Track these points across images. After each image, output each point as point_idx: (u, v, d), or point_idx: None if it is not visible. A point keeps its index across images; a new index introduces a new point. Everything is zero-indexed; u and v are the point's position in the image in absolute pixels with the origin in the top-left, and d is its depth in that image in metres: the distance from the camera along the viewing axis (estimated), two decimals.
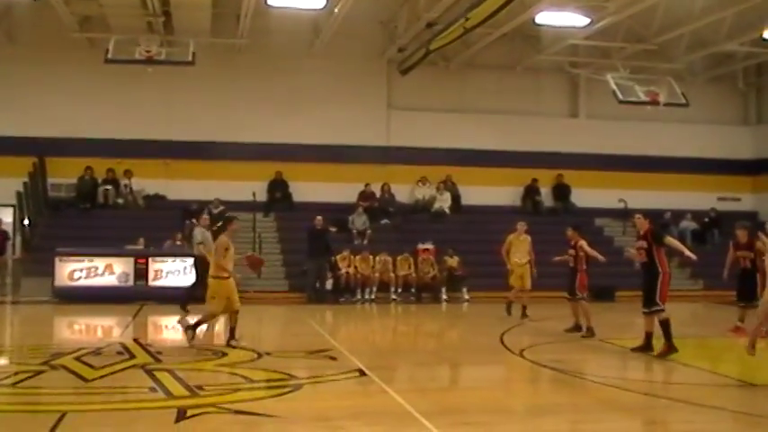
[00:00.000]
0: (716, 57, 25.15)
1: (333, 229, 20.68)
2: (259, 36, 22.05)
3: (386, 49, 23.88)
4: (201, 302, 12.99)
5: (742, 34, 21.97)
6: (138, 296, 18.31)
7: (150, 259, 19.28)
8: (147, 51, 19.54)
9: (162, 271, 19.22)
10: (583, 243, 14.06)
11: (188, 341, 11.96)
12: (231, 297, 11.96)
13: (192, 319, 12.39)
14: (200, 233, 17.50)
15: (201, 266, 17.30)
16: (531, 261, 16.13)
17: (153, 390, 8.92)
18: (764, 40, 22.20)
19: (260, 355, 11.42)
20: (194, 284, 17.31)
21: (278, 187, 23.40)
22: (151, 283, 19.11)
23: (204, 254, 17.21)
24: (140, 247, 19.91)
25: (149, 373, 9.82)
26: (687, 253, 11.67)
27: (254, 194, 22.67)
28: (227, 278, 11.99)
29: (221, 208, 21.73)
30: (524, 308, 16.03)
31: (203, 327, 12.53)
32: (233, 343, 11.92)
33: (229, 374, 10.02)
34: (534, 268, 16.18)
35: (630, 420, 8.47)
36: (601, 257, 13.98)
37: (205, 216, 18.19)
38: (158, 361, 10.78)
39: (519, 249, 16.04)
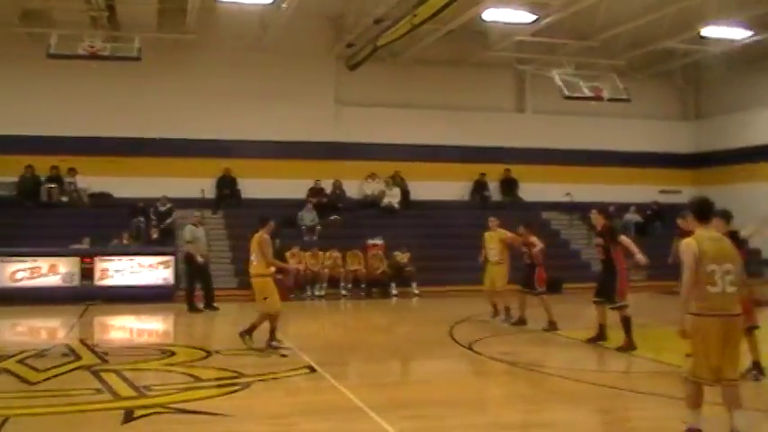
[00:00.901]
0: (656, 54, 25.47)
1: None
2: (206, 31, 21.73)
3: (334, 45, 23.73)
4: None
5: (681, 32, 22.26)
6: (84, 296, 17.92)
7: (97, 258, 18.90)
8: (91, 47, 19.11)
9: (109, 270, 18.85)
10: (534, 239, 14.12)
11: (248, 346, 11.45)
12: (271, 296, 11.63)
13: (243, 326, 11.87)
14: (189, 231, 17.25)
15: (191, 266, 17.10)
16: (505, 259, 15.06)
17: (99, 391, 8.74)
18: (702, 37, 22.59)
19: (209, 354, 11.28)
20: (189, 283, 17.20)
21: (226, 184, 23.13)
22: (98, 282, 18.72)
23: (193, 253, 17.02)
24: (86, 246, 19.49)
25: (95, 374, 9.63)
26: (638, 255, 11.81)
27: (202, 191, 22.44)
28: (271, 276, 11.78)
29: (168, 206, 21.45)
30: (507, 309, 14.91)
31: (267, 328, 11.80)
32: (274, 344, 11.53)
33: (178, 374, 9.86)
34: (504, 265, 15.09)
35: (579, 410, 8.54)
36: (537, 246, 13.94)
37: (197, 214, 17.91)
38: (105, 362, 10.58)
39: (490, 247, 15.27)
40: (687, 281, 6.71)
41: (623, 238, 11.95)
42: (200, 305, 17.06)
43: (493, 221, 15.62)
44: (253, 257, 11.58)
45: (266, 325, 11.65)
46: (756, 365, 9.60)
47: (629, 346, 11.58)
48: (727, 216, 9.06)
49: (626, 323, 11.71)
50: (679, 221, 14.38)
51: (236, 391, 8.86)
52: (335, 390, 9.03)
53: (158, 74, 22.32)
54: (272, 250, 11.74)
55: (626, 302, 11.73)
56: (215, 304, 17.07)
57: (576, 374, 10.21)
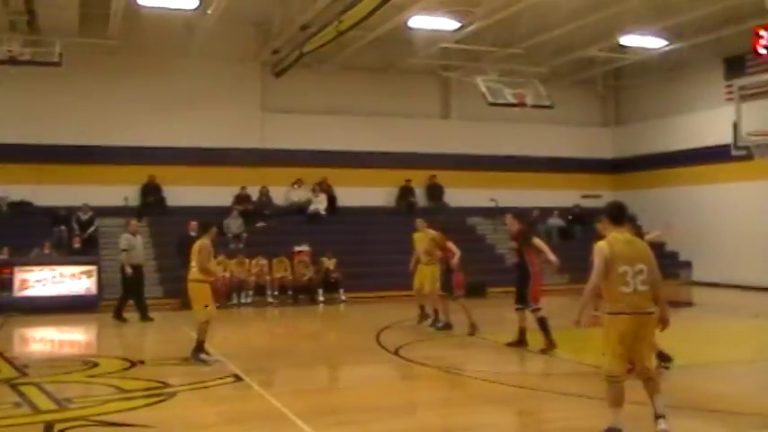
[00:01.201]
0: (578, 61, 26.09)
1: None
2: (130, 37, 21.42)
3: (260, 51, 23.63)
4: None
5: (601, 40, 22.86)
6: (2, 308, 17.46)
7: (16, 268, 18.43)
8: (10, 51, 18.65)
9: (30, 280, 18.41)
10: (450, 244, 14.35)
11: (208, 363, 11.01)
12: (210, 304, 11.31)
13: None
14: (124, 240, 16.91)
15: (125, 275, 16.74)
16: (434, 260, 14.90)
17: (18, 405, 8.58)
18: (621, 46, 23.24)
19: (133, 364, 11.15)
20: (124, 293, 16.84)
21: (151, 191, 22.80)
22: (17, 293, 18.25)
23: (124, 262, 16.68)
24: (5, 256, 19.00)
25: (14, 387, 9.44)
26: (550, 256, 12.08)
27: (125, 199, 22.07)
28: (208, 282, 11.38)
29: (90, 214, 21.06)
30: (436, 313, 14.93)
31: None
32: (203, 356, 11.15)
33: (101, 385, 9.74)
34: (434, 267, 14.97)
35: (502, 412, 8.74)
36: (455, 254, 14.20)
37: (134, 222, 17.54)
38: (24, 375, 10.37)
39: (419, 248, 15.36)
40: (592, 281, 7.01)
41: (536, 241, 12.19)
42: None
43: (420, 222, 15.83)
44: (193, 263, 11.37)
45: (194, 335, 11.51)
46: (660, 355, 10.10)
47: (549, 347, 11.86)
48: (631, 220, 9.90)
49: (542, 324, 12.03)
50: (598, 226, 15.08)
51: (160, 401, 8.80)
52: (262, 398, 9.05)
53: (80, 80, 21.93)
54: (209, 258, 11.52)
55: (537, 306, 12.02)
56: (150, 315, 16.75)
57: (500, 377, 10.42)
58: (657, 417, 7.00)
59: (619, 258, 6.90)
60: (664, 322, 7.14)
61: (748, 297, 20.27)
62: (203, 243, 11.38)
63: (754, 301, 19.78)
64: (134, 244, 16.84)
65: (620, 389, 6.97)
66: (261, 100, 24.34)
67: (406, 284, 16.05)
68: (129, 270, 16.57)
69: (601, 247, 7.02)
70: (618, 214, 7.28)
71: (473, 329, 13.91)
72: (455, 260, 14.16)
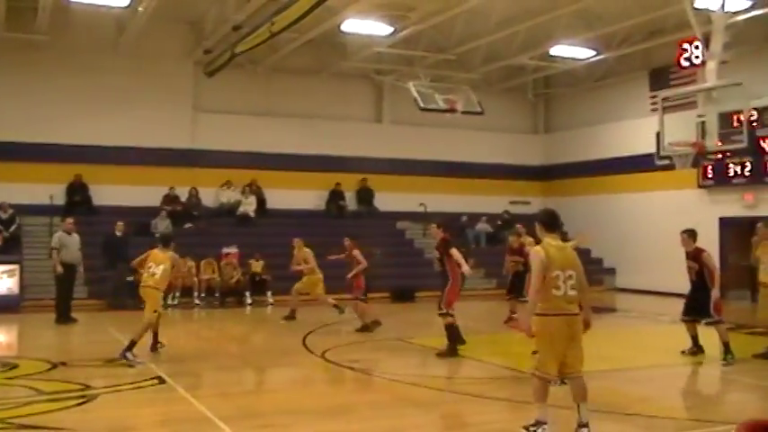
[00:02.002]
0: (509, 69, 26.53)
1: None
2: (60, 32, 21.00)
3: (192, 51, 23.41)
4: None
5: (532, 49, 23.30)
6: None
7: None
8: None
9: None
10: (356, 252, 15.23)
11: (133, 365, 11.09)
12: (159, 310, 12.28)
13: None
14: (56, 238, 16.54)
15: (61, 274, 16.37)
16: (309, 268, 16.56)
17: None
18: (551, 55, 23.71)
19: (54, 366, 10.96)
20: (60, 293, 16.49)
21: (77, 190, 22.35)
22: None
23: (55, 261, 16.30)
24: None
25: None
26: (465, 268, 12.35)
27: (51, 198, 21.60)
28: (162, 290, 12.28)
29: (11, 212, 20.54)
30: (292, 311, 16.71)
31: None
32: (129, 356, 11.30)
33: (19, 387, 9.55)
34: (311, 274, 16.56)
35: (425, 415, 8.85)
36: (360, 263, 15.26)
37: (69, 220, 17.12)
38: None
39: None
40: (534, 285, 7.32)
41: (454, 251, 12.45)
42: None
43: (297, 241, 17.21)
44: (158, 270, 11.88)
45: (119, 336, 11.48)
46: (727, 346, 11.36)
47: (449, 353, 12.14)
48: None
49: (449, 330, 12.33)
50: (511, 239, 16.61)
51: (81, 403, 8.68)
52: (185, 401, 9.00)
53: (6, 75, 21.46)
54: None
55: (446, 311, 12.26)
56: (72, 315, 16.46)
57: (426, 381, 10.55)
58: (581, 425, 7.26)
59: (553, 263, 7.23)
60: (585, 325, 7.48)
61: (669, 303, 20.79)
62: (175, 257, 12.51)
63: (676, 307, 20.31)
64: (66, 242, 16.53)
65: (545, 385, 7.34)
66: (192, 100, 24.11)
67: (334, 287, 16.26)
68: (59, 269, 16.28)
69: (537, 252, 7.35)
70: (551, 221, 7.59)
71: (364, 329, 14.89)
72: (359, 267, 15.20)
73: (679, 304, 20.93)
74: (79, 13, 19.99)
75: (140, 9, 18.84)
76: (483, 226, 25.91)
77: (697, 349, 12.57)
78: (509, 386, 10.35)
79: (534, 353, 7.54)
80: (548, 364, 7.26)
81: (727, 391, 10.95)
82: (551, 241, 7.41)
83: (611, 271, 25.26)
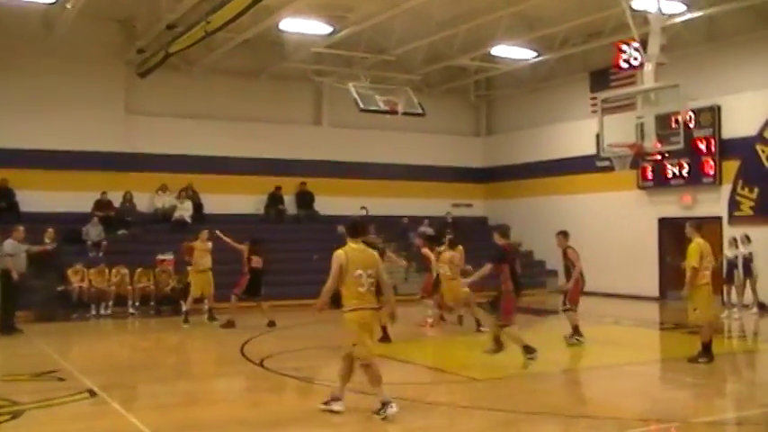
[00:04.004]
0: (451, 70, 26.70)
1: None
2: None
3: (124, 50, 23.00)
4: None
5: (473, 50, 23.50)
6: None
7: None
8: None
9: None
10: (255, 258, 16.62)
11: None
12: None
13: None
14: (9, 245, 16.15)
15: (8, 282, 15.92)
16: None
17: None
18: (492, 56, 23.92)
19: None
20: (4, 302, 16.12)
21: (3, 196, 21.77)
22: None
23: (11, 268, 15.87)
24: None
25: None
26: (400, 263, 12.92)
27: None
28: None
29: None
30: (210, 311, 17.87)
31: None
32: None
33: None
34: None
35: (367, 422, 8.84)
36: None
37: (20, 228, 16.66)
38: None
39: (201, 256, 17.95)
40: (329, 284, 8.66)
41: (389, 255, 12.83)
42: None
43: (203, 234, 18.40)
44: None
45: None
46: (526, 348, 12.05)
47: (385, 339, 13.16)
48: (503, 230, 12.48)
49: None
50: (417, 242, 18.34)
51: (5, 420, 8.46)
52: (118, 414, 8.84)
53: None
54: None
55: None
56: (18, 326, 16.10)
57: (366, 387, 10.52)
58: (385, 403, 8.57)
59: (353, 264, 8.54)
60: (392, 317, 9.16)
61: (611, 304, 21.20)
62: None
63: (617, 308, 20.72)
64: (18, 251, 16.18)
65: (377, 369, 8.66)
66: (124, 101, 23.68)
67: (273, 294, 16.28)
68: (15, 276, 16.00)
69: (338, 255, 8.65)
70: (355, 229, 8.89)
71: (228, 324, 16.44)
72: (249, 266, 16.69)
73: (621, 305, 21.45)
74: (3, 10, 19.51)
75: (68, 6, 18.43)
76: (425, 229, 25.92)
77: (578, 335, 14.06)
78: (448, 391, 10.42)
79: (355, 344, 8.63)
80: (367, 352, 8.62)
81: (668, 390, 11.18)
82: (353, 245, 8.72)
83: (554, 273, 25.55)
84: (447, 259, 15.70)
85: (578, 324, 14.17)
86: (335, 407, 8.76)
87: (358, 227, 9.00)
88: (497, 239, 12.35)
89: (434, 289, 17.21)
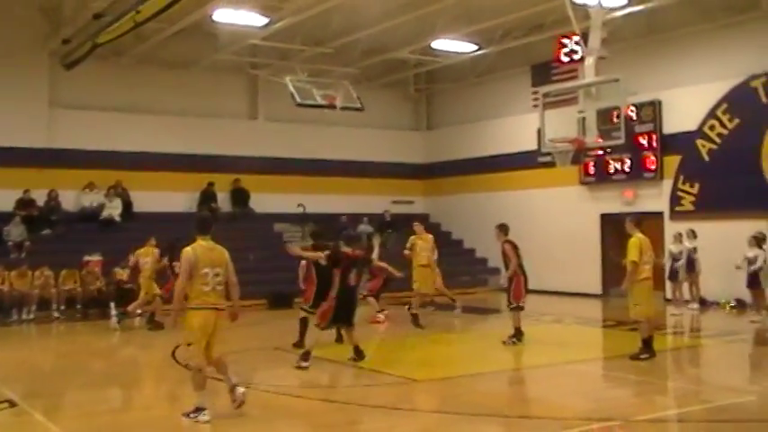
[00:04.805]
0: (390, 63, 26.70)
1: None
2: None
3: (48, 41, 22.46)
4: None
5: (413, 42, 23.54)
6: None
7: None
8: None
9: None
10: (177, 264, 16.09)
11: None
12: None
13: None
14: None
15: None
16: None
17: None
18: (433, 49, 23.99)
19: None
20: None
21: None
22: None
23: None
24: None
25: None
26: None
27: None
28: None
29: None
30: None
31: None
32: None
33: None
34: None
35: (301, 426, 8.83)
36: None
37: None
38: None
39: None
40: (180, 283, 8.71)
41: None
42: None
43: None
44: None
45: None
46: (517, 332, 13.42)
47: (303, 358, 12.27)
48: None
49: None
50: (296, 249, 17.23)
51: None
52: (41, 425, 8.66)
53: None
54: None
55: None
56: None
57: (305, 391, 10.50)
58: (234, 386, 8.85)
59: (202, 262, 8.56)
60: (233, 316, 9.02)
61: (553, 302, 21.45)
62: None
63: (559, 306, 20.98)
64: None
65: (204, 376, 8.67)
66: (48, 94, 23.16)
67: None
68: None
69: (187, 252, 8.67)
70: (204, 225, 8.99)
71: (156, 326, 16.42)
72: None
73: (564, 303, 21.71)
74: None
75: None
76: (365, 227, 25.92)
77: (518, 337, 14.10)
78: (388, 392, 10.43)
79: (189, 345, 8.72)
80: (202, 356, 8.59)
81: (611, 388, 11.33)
82: (202, 242, 8.75)
83: (496, 270, 25.73)
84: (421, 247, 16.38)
85: (520, 326, 14.16)
86: (202, 417, 8.63)
87: (206, 223, 9.05)
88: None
89: (382, 288, 17.50)
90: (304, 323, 13.40)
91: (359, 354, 12.16)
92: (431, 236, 17.93)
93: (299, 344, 13.15)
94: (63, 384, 11.53)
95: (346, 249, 12.34)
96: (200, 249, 8.67)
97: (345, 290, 12.00)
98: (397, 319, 17.41)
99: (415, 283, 17.23)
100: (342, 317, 12.06)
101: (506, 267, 14.40)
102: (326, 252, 12.46)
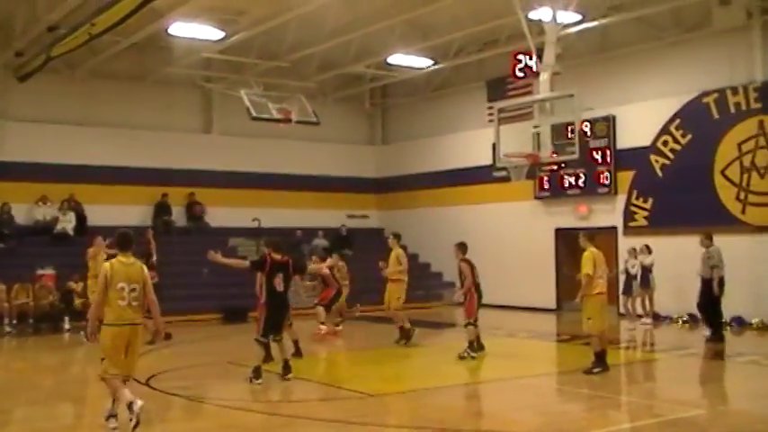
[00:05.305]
0: (346, 77, 26.79)
1: None
2: None
3: (1, 53, 22.20)
4: None
5: (368, 57, 23.65)
6: None
7: None
8: None
9: None
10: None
11: None
12: None
13: None
14: None
15: None
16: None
17: None
18: (388, 64, 24.11)
19: None
20: None
21: None
22: None
23: None
24: None
25: None
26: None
27: None
28: None
29: None
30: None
31: None
32: None
33: None
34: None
35: None
36: None
37: None
38: None
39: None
40: (96, 298, 8.93)
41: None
42: None
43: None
44: None
45: None
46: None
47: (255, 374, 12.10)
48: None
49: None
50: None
51: None
52: None
53: None
54: None
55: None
56: None
57: (256, 406, 10.48)
58: (111, 416, 8.78)
59: (117, 276, 8.61)
60: (157, 334, 9.53)
61: (507, 316, 21.59)
62: None
63: (513, 320, 21.11)
64: None
65: (117, 384, 8.65)
66: (1, 107, 22.87)
67: (161, 309, 15.80)
68: None
69: (104, 267, 8.81)
70: (123, 242, 8.97)
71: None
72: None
73: (518, 317, 21.86)
74: None
75: None
76: (320, 241, 25.89)
77: (473, 350, 14.32)
78: (341, 407, 10.43)
79: (102, 359, 8.67)
80: (113, 368, 8.61)
81: (563, 402, 11.42)
82: (122, 258, 8.79)
83: (451, 285, 25.81)
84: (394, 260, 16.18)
85: (474, 340, 14.35)
86: (111, 424, 8.78)
87: (126, 239, 9.02)
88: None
89: (334, 299, 17.48)
90: None
91: (286, 368, 12.10)
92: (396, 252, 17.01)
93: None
94: (11, 400, 11.32)
95: (274, 255, 12.30)
96: (117, 264, 8.74)
97: (273, 295, 12.03)
98: (354, 334, 17.42)
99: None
100: (276, 325, 12.08)
101: (462, 285, 14.54)
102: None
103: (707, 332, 16.77)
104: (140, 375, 12.26)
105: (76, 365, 15.63)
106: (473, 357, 14.05)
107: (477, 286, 14.43)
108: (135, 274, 8.73)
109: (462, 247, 14.71)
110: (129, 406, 8.36)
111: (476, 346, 14.34)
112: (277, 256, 12.28)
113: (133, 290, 8.65)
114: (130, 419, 8.27)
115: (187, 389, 11.46)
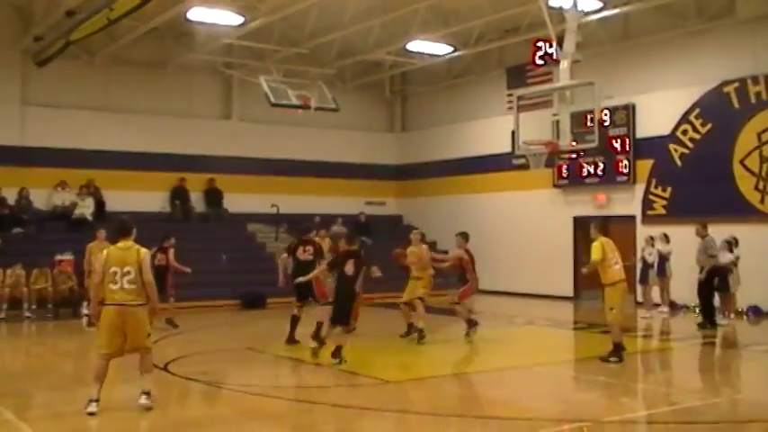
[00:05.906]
0: (365, 64, 26.78)
1: None
2: None
3: (21, 38, 22.34)
4: None
5: (388, 44, 23.60)
6: None
7: None
8: None
9: None
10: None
11: None
12: None
13: None
14: None
15: None
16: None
17: None
18: (408, 51, 24.08)
19: None
20: None
21: None
22: None
23: None
24: None
25: None
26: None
27: None
28: None
29: None
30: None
31: None
32: None
33: None
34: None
35: (276, 427, 8.83)
36: None
37: None
38: None
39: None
40: (94, 280, 9.41)
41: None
42: None
43: (101, 233, 17.50)
44: None
45: None
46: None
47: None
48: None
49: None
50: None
51: None
52: (10, 424, 8.62)
53: None
54: None
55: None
56: None
57: (277, 392, 10.55)
58: (143, 392, 9.15)
59: (110, 261, 8.96)
60: (152, 313, 9.40)
61: (525, 304, 21.61)
62: None
63: (531, 308, 21.12)
64: None
65: (104, 366, 9.11)
66: (21, 92, 23.01)
67: (180, 295, 16.09)
68: None
69: (102, 254, 9.20)
70: (121, 229, 9.31)
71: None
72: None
73: (536, 305, 21.86)
74: None
75: None
76: (338, 228, 25.90)
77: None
78: (359, 393, 10.49)
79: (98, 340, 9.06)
80: (107, 346, 9.02)
81: (580, 390, 11.46)
82: (120, 244, 9.12)
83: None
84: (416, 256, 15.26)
85: (469, 317, 14.92)
86: (90, 408, 8.98)
87: (124, 227, 9.31)
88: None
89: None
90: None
91: (335, 354, 12.16)
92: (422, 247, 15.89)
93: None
94: (33, 384, 11.46)
95: (345, 246, 12.90)
96: (114, 250, 9.10)
97: (342, 280, 12.35)
98: (370, 321, 17.44)
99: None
100: (342, 311, 12.30)
101: (459, 269, 14.97)
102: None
103: (701, 319, 16.95)
104: (158, 360, 12.39)
105: (95, 350, 15.75)
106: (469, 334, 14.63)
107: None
108: (130, 258, 8.98)
109: (464, 236, 14.98)
110: (145, 394, 9.09)
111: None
112: (349, 247, 12.75)
113: (128, 273, 8.92)
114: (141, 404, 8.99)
115: (206, 374, 11.55)
